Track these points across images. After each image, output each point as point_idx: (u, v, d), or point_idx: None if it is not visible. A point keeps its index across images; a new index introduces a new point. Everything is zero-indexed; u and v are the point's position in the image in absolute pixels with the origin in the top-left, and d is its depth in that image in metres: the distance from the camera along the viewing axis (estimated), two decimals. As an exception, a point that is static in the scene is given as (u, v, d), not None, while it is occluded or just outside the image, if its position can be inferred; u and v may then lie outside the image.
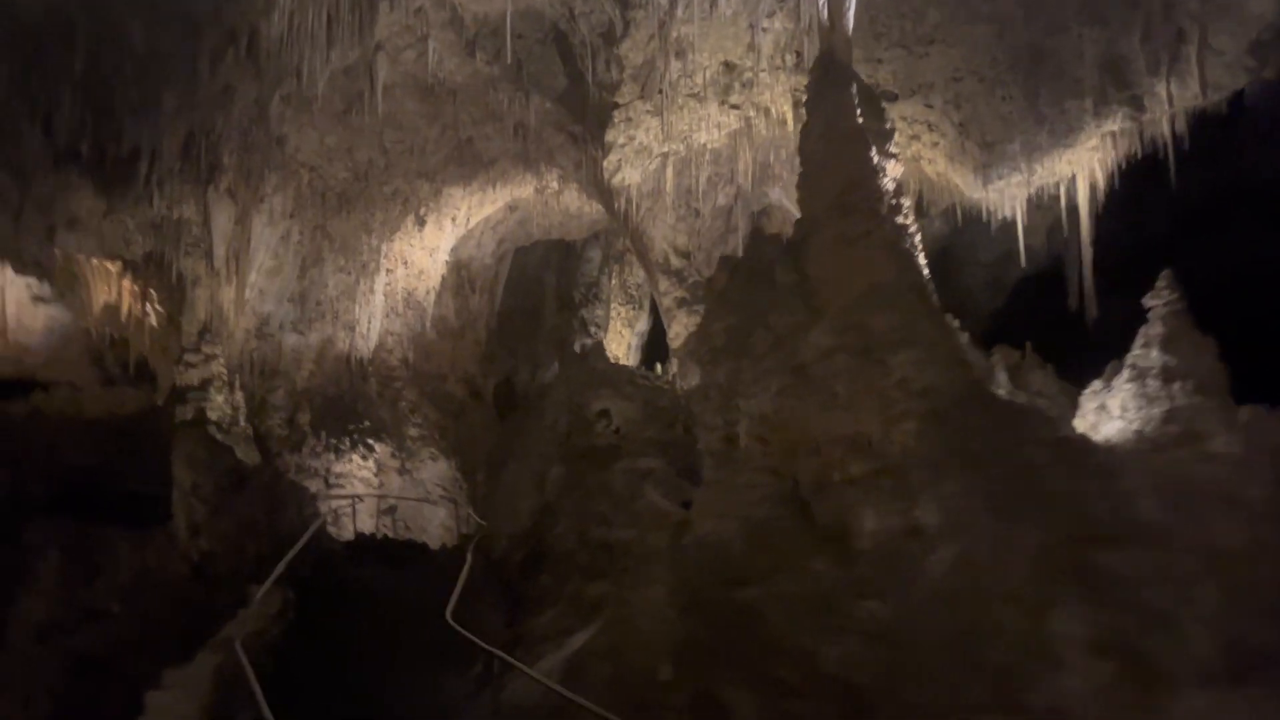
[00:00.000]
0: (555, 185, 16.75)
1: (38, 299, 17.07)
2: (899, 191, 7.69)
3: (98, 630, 7.76)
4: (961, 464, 6.89)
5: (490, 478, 13.77)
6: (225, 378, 14.61)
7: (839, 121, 7.50)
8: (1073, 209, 13.63)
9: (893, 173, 7.65)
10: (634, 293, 20.21)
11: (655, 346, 19.59)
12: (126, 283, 15.37)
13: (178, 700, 6.07)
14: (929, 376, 7.08)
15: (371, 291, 16.64)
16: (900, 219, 7.65)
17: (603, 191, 14.76)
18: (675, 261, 15.47)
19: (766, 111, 13.36)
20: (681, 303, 15.46)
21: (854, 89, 7.67)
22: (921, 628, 6.52)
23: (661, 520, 8.74)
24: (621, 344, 19.86)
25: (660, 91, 13.03)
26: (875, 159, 7.49)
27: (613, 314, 19.99)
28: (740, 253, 11.02)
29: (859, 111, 7.58)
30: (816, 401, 7.10)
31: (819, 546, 7.01)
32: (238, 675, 6.77)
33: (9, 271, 16.09)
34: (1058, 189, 13.67)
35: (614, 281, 20.13)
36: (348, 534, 13.51)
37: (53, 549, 8.73)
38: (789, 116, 13.40)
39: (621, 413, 11.37)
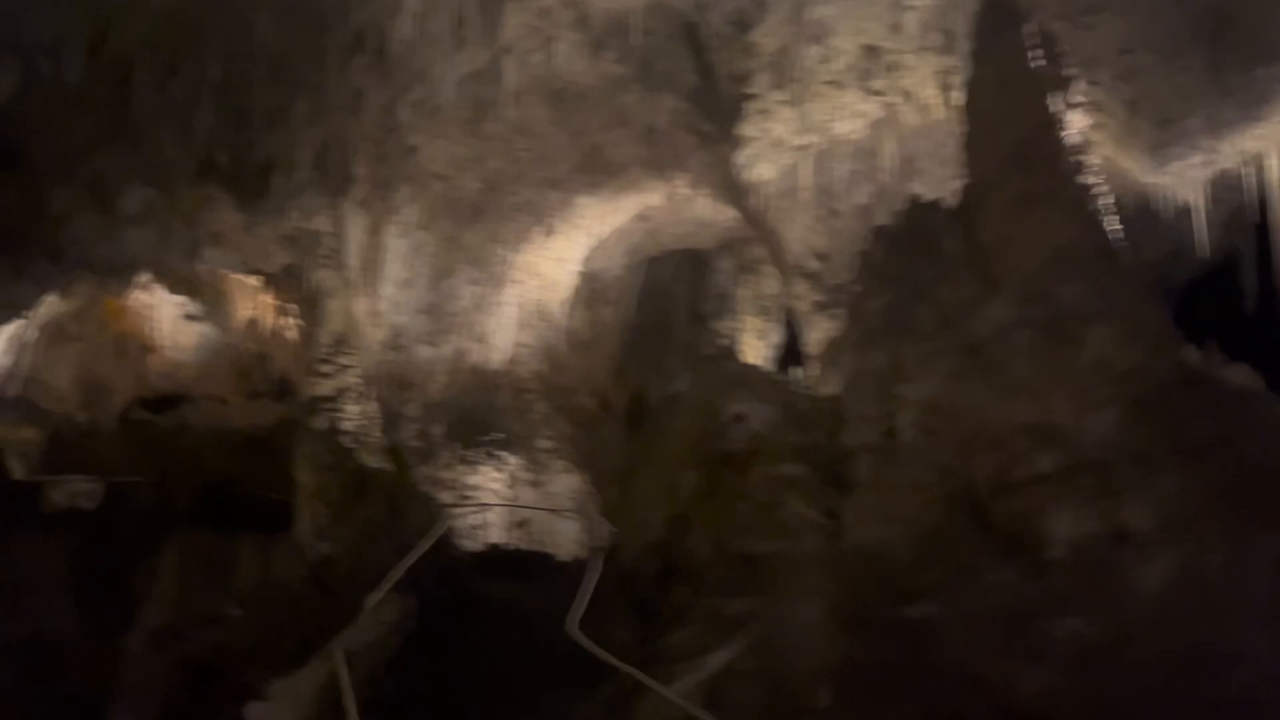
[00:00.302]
0: (686, 191, 15.86)
1: (189, 316, 17.24)
2: (1082, 147, 6.49)
3: (213, 637, 7.21)
4: (1178, 457, 5.60)
5: (621, 488, 12.89)
6: (359, 389, 14.21)
7: (1012, 67, 6.38)
8: (1262, 193, 11.89)
9: (1076, 125, 6.46)
10: (766, 304, 19.06)
11: (789, 361, 18.45)
12: (267, 297, 15.26)
13: (278, 713, 5.36)
14: (1132, 355, 5.80)
15: (502, 303, 16.07)
16: (1085, 178, 6.44)
17: (735, 192, 13.78)
18: (812, 264, 14.31)
19: (911, 97, 12.14)
20: (819, 307, 14.28)
21: (1027, 29, 6.53)
22: (1138, 654, 5.25)
23: (809, 529, 7.63)
24: (754, 356, 18.75)
25: (796, 80, 12.01)
26: (1056, 108, 6.32)
27: (744, 326, 18.93)
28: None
29: (1035, 55, 6.43)
30: (995, 386, 5.93)
31: (1002, 555, 5.79)
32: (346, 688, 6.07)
33: (162, 291, 16.29)
34: (1242, 173, 11.96)
35: (746, 292, 19.07)
36: (477, 546, 12.83)
37: (173, 554, 8.26)
38: (937, 102, 12.14)
39: (758, 416, 10.23)
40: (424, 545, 8.29)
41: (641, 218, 17.05)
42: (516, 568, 11.38)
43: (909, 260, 6.55)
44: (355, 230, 13.83)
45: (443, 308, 15.57)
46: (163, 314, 17.08)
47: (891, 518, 6.25)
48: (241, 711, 5.37)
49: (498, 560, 11.74)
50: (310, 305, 14.26)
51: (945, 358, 6.15)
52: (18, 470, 14.36)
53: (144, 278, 15.02)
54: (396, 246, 14.52)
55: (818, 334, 14.55)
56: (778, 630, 5.77)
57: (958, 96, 12.78)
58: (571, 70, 13.09)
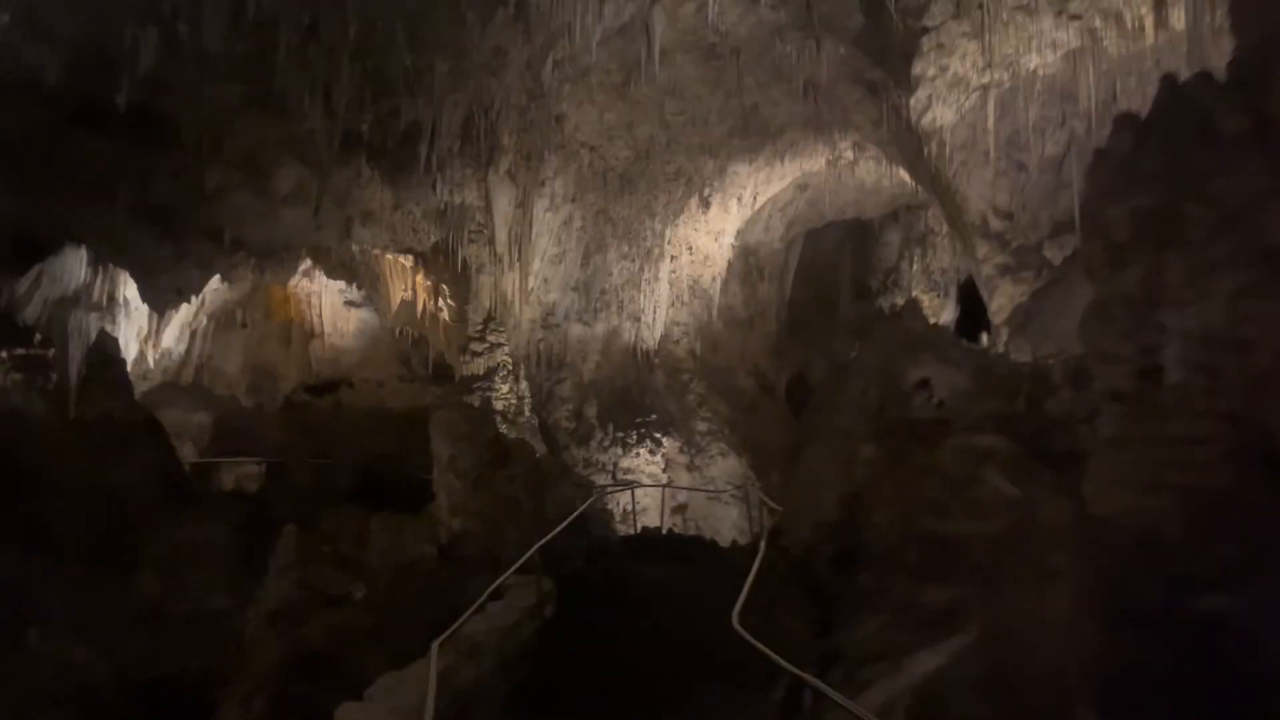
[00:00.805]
0: (850, 154, 14.26)
1: (349, 303, 16.89)
2: None
3: (333, 619, 6.29)
4: None
5: (788, 465, 11.44)
6: (510, 367, 13.33)
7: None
8: None
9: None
10: (938, 278, 17.14)
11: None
12: (420, 278, 14.61)
13: (375, 716, 4.27)
14: None
15: (656, 279, 14.89)
16: None
17: (907, 143, 12.07)
18: (995, 223, 12.44)
19: (1117, 19, 10.12)
20: (1004, 270, 12.39)
21: None
22: None
23: (1027, 506, 6.03)
24: (926, 335, 16.88)
25: (980, 7, 10.26)
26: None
27: (915, 302, 17.09)
28: (1077, 213, 8.00)
29: None
30: (1307, 303, 4.23)
31: (1327, 531, 4.10)
32: (468, 686, 4.97)
33: (322, 277, 15.96)
34: None
35: (915, 266, 17.22)
36: (631, 529, 11.66)
37: (290, 534, 7.39)
38: (1148, 23, 10.13)
39: (946, 382, 8.60)
40: (564, 524, 7.15)
41: (800, 186, 15.52)
42: (673, 552, 10.12)
43: (1169, 150, 4.88)
44: (503, 203, 12.93)
45: (594, 284, 14.52)
46: (324, 301, 16.83)
47: (1154, 484, 4.58)
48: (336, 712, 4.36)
49: (652, 544, 10.52)
50: (461, 283, 13.48)
51: (1228, 271, 4.46)
52: (189, 453, 14.27)
53: (305, 264, 14.69)
54: (545, 220, 13.55)
55: (1002, 299, 12.65)
56: (1015, 626, 4.25)
57: (1176, 14, 10.76)
58: (725, 20, 11.72)
